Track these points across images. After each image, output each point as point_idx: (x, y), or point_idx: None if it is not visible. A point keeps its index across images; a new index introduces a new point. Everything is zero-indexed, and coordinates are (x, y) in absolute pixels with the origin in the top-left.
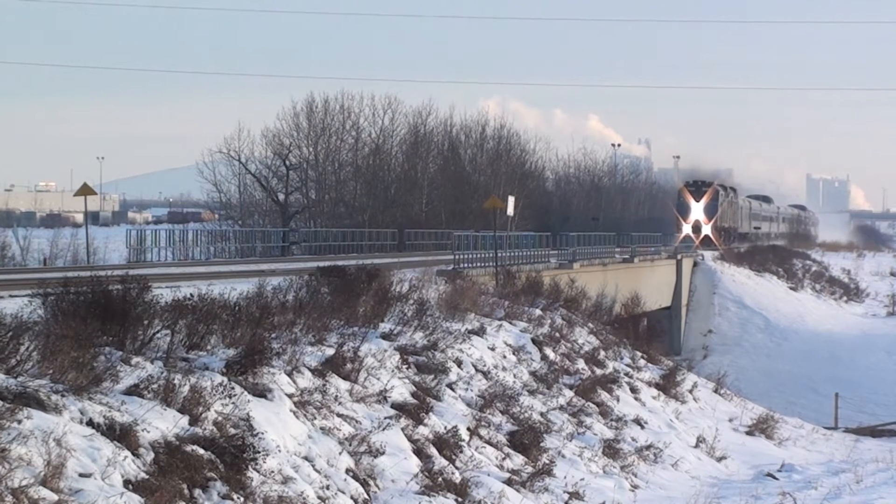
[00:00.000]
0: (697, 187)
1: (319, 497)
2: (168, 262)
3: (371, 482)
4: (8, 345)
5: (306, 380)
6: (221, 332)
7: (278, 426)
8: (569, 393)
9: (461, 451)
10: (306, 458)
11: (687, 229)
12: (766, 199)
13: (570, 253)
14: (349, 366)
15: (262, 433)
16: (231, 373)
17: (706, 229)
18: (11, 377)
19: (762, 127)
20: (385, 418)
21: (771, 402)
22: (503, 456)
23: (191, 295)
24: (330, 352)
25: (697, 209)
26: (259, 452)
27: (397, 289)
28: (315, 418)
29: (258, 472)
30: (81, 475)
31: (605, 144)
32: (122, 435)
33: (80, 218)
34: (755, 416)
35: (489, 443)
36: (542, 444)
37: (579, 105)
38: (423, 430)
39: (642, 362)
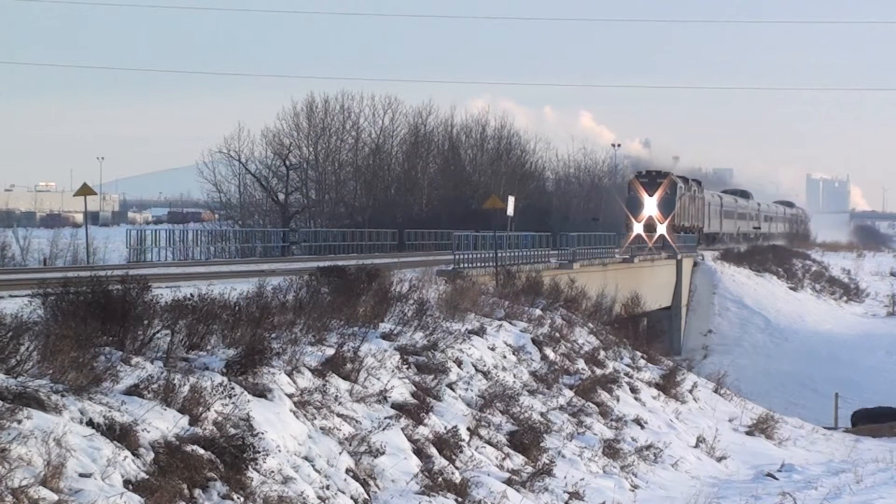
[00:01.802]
0: (651, 179)
1: (319, 497)
2: (168, 262)
3: (371, 482)
4: (8, 345)
5: (306, 380)
6: (221, 332)
7: (278, 426)
8: (569, 393)
9: (461, 451)
10: (306, 458)
11: (638, 228)
12: (745, 195)
13: (570, 253)
14: (349, 366)
15: (262, 433)
16: (231, 373)
17: (661, 228)
18: (11, 377)
19: (762, 127)
20: (385, 418)
21: (771, 402)
22: (503, 456)
23: (191, 295)
24: (330, 352)
25: (651, 204)
26: (259, 452)
27: (397, 289)
28: (315, 418)
29: (258, 472)
30: (81, 475)
31: (599, 143)
32: (122, 435)
33: (80, 218)
34: (755, 416)
35: (489, 443)
36: (542, 444)
37: (573, 104)
38: (423, 430)
39: (642, 362)
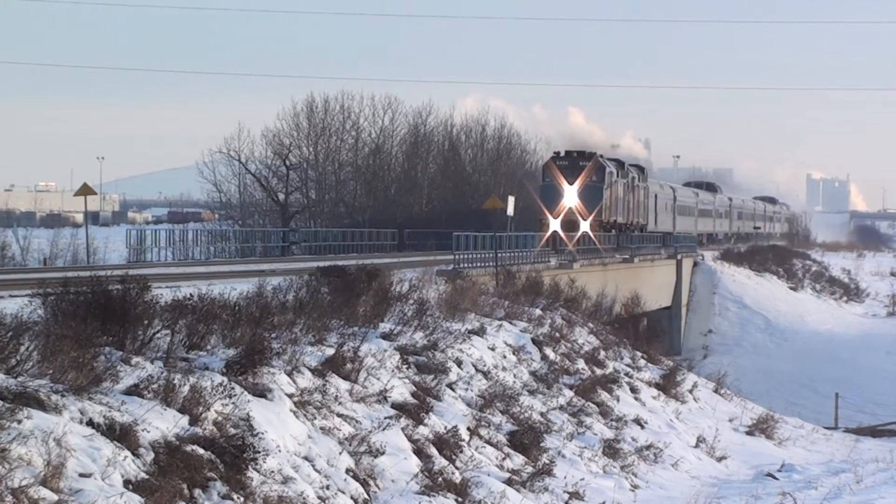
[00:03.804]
0: (572, 161)
1: (319, 497)
2: (168, 262)
3: (371, 482)
4: (8, 345)
5: (306, 380)
6: (221, 332)
7: (278, 426)
8: (569, 393)
9: (461, 451)
10: (306, 458)
11: (555, 225)
12: (711, 188)
13: (571, 253)
14: (349, 366)
15: (262, 433)
16: (231, 373)
17: (585, 225)
18: (11, 377)
19: (762, 127)
20: (385, 418)
21: (771, 402)
22: (503, 456)
23: (191, 295)
24: (330, 352)
25: (571, 194)
26: (259, 452)
27: (397, 289)
28: (315, 418)
29: (258, 472)
30: (81, 475)
31: (597, 143)
32: (122, 435)
33: (80, 218)
34: (755, 416)
35: (489, 443)
36: (542, 444)
37: (565, 104)
38: (423, 430)
39: (642, 362)
